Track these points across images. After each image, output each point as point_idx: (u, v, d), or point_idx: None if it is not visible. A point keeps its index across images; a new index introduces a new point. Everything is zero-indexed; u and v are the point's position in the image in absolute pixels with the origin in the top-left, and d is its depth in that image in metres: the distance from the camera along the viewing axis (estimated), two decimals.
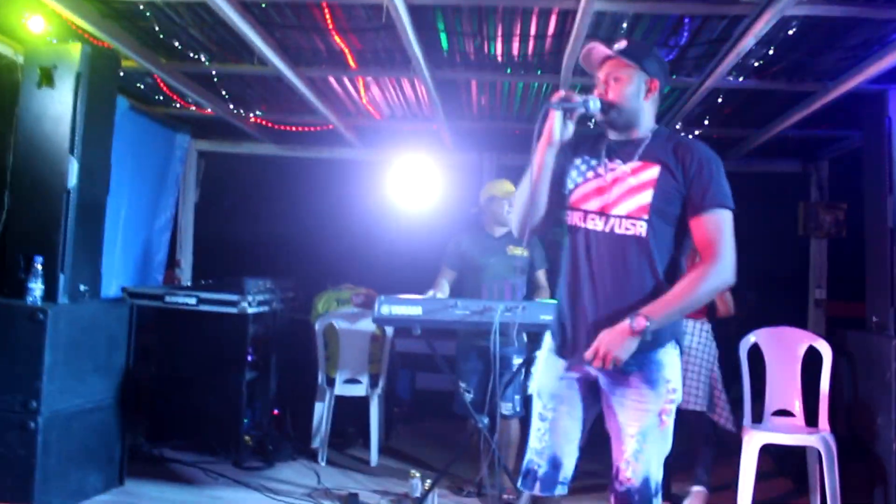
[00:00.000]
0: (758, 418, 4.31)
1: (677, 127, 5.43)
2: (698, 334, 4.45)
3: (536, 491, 2.39)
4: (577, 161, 2.45)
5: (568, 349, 2.41)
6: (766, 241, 7.06)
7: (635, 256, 2.30)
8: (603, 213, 2.34)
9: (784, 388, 4.31)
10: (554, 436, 2.40)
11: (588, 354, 2.25)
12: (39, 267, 3.66)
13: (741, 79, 4.47)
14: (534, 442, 2.44)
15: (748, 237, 6.83)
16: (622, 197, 2.33)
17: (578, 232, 2.38)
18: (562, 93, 2.36)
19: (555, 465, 2.39)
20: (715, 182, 2.28)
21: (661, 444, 2.31)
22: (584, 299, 2.35)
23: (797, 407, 4.28)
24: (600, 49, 2.40)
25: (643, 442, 2.28)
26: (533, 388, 2.51)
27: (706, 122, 5.46)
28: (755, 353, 4.42)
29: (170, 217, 6.32)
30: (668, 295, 2.25)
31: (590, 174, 2.41)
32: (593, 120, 2.49)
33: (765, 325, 4.61)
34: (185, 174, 6.50)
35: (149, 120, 5.80)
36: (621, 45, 2.40)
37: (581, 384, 2.41)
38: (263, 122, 5.93)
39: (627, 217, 2.31)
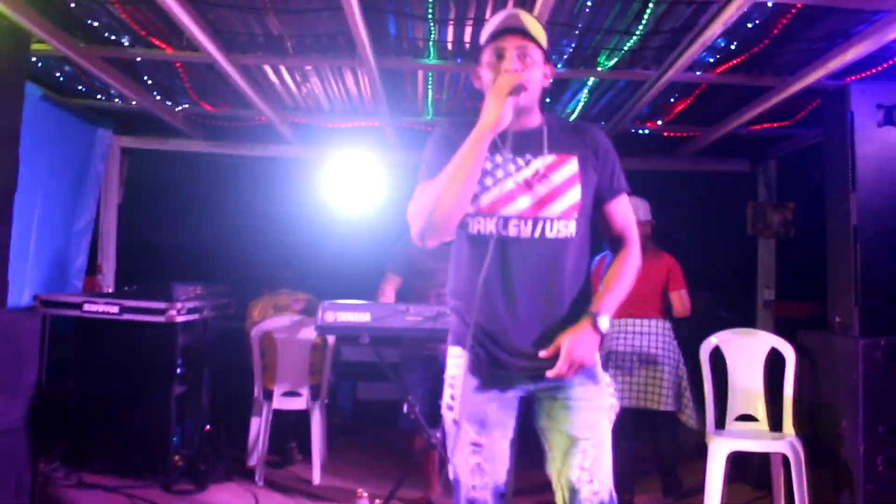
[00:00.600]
0: (720, 423, 4.14)
1: (628, 122, 5.26)
2: (662, 333, 4.34)
3: None
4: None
5: (497, 370, 2.16)
6: (715, 240, 7.01)
7: (570, 260, 2.15)
8: (529, 216, 2.12)
9: (747, 392, 4.16)
10: (493, 465, 2.17)
11: (562, 369, 2.03)
12: None
13: (698, 72, 4.32)
14: (471, 478, 2.17)
15: (698, 237, 6.81)
16: (550, 197, 2.12)
17: (490, 240, 2.07)
18: (518, 85, 2.03)
19: (499, 495, 2.18)
20: (618, 166, 2.23)
21: (609, 450, 2.16)
22: (517, 314, 2.13)
23: (761, 411, 4.13)
24: (513, 18, 2.10)
25: (600, 445, 2.13)
26: (453, 414, 2.19)
27: (658, 122, 5.30)
28: (715, 354, 4.27)
29: (90, 219, 5.83)
30: (609, 285, 2.17)
31: (500, 174, 2.13)
32: None
33: (714, 326, 4.49)
34: (107, 173, 6.00)
35: (66, 112, 5.32)
36: (521, 16, 2.11)
37: (519, 402, 2.21)
38: (192, 116, 5.53)
39: (559, 218, 2.12)
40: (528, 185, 2.12)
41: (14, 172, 3.66)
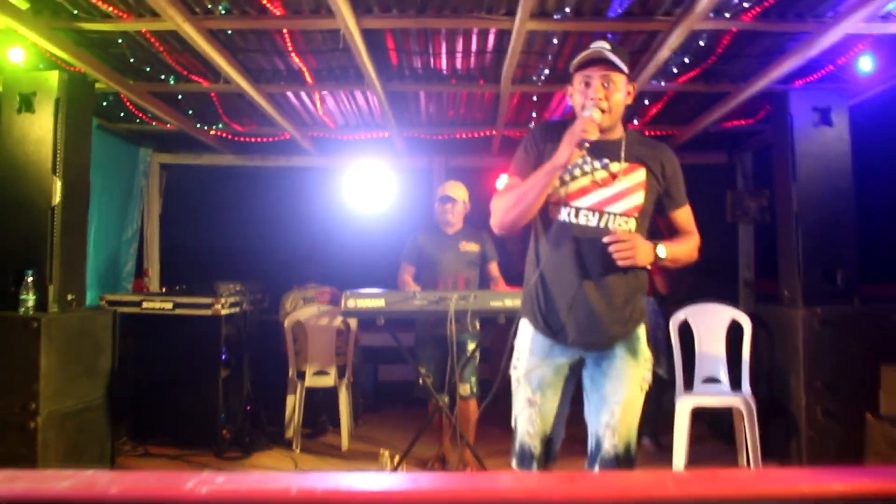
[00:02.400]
0: (689, 386, 4.81)
1: None
2: (644, 305, 5.08)
3: (534, 470, 2.56)
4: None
5: (561, 335, 2.56)
6: (699, 227, 7.64)
7: None
8: (598, 209, 2.52)
9: (711, 357, 4.82)
10: (544, 418, 2.59)
11: (617, 237, 2.42)
12: (30, 280, 3.97)
13: (663, 83, 4.98)
14: (525, 425, 2.60)
15: None
16: (617, 196, 2.52)
17: (567, 226, 2.52)
18: (591, 133, 2.38)
19: (547, 445, 2.61)
20: (681, 182, 2.64)
21: (637, 414, 2.55)
22: (580, 289, 2.50)
23: (723, 374, 4.79)
24: (601, 52, 2.45)
25: (627, 409, 2.50)
26: (518, 374, 2.65)
27: (634, 122, 5.96)
28: (685, 328, 4.93)
29: (136, 229, 6.59)
30: (677, 239, 2.61)
31: (578, 172, 2.53)
32: None
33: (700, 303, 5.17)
34: (149, 187, 6.78)
35: (113, 136, 6.08)
36: (606, 46, 2.46)
37: (568, 367, 2.62)
38: (223, 135, 6.25)
39: (622, 215, 2.52)
40: (600, 185, 2.53)
41: (86, 195, 4.41)
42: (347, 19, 3.68)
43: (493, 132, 6.06)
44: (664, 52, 4.14)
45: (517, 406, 2.65)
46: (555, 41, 4.17)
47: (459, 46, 4.33)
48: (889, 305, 4.47)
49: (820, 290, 4.53)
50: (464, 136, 6.32)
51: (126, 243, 6.47)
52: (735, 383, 4.73)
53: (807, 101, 4.61)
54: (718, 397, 4.61)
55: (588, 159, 2.53)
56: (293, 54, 4.38)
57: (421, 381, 4.52)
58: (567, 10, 3.79)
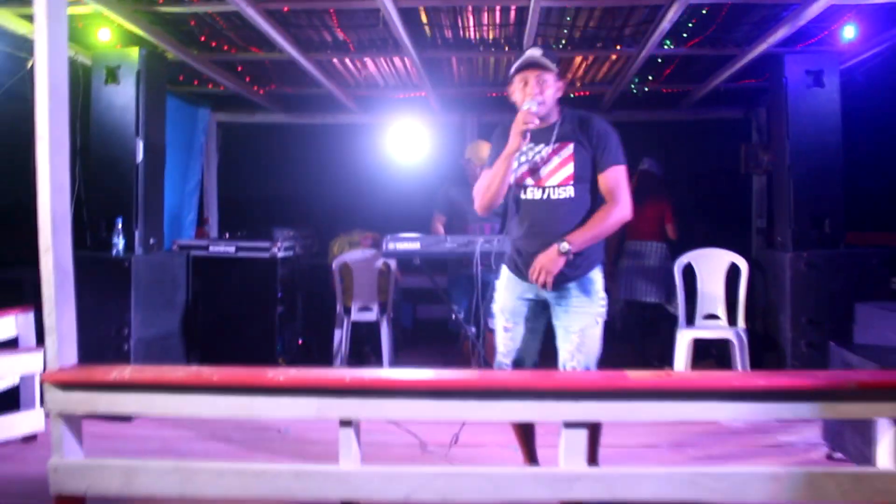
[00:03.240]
0: (691, 321, 5.40)
1: (630, 84, 6.45)
2: (656, 252, 6.05)
3: None
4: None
5: (524, 281, 3.20)
6: (716, 178, 8.16)
7: (565, 214, 3.12)
8: (540, 185, 3.13)
9: (711, 296, 5.40)
10: (516, 343, 3.24)
11: (531, 274, 3.07)
12: (120, 226, 4.69)
13: (673, 47, 5.47)
14: (501, 347, 3.28)
15: (699, 175, 7.98)
16: (552, 172, 3.12)
17: (524, 201, 3.18)
18: (530, 121, 3.00)
19: (517, 364, 3.25)
20: (610, 146, 3.12)
21: (596, 342, 3.13)
22: (538, 245, 3.10)
23: (721, 311, 5.37)
24: (533, 57, 3.08)
25: (583, 337, 3.11)
26: (496, 307, 3.30)
27: (651, 79, 6.45)
28: (689, 270, 5.49)
29: (197, 181, 7.31)
30: (585, 226, 3.10)
31: (522, 158, 3.16)
32: None
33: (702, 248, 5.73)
34: (207, 143, 7.48)
35: (175, 98, 6.75)
36: (537, 52, 3.07)
37: (535, 303, 3.24)
38: (274, 95, 6.89)
39: (559, 186, 3.11)
40: (539, 164, 3.13)
41: (163, 153, 5.10)
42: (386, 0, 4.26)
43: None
44: (665, 24, 4.64)
45: (497, 332, 3.32)
46: (567, 18, 4.70)
47: (485, 20, 4.89)
48: (869, 250, 4.99)
49: (808, 236, 5.05)
50: (493, 94, 6.87)
51: (189, 195, 7.20)
52: (732, 319, 5.31)
53: (800, 64, 5.07)
54: (713, 331, 5.21)
55: (531, 146, 3.13)
56: (338, 29, 4.98)
57: (454, 315, 5.18)
58: None
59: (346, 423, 2.70)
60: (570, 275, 3.13)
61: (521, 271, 3.22)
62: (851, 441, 3.61)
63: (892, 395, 2.60)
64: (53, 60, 2.76)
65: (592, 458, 3.13)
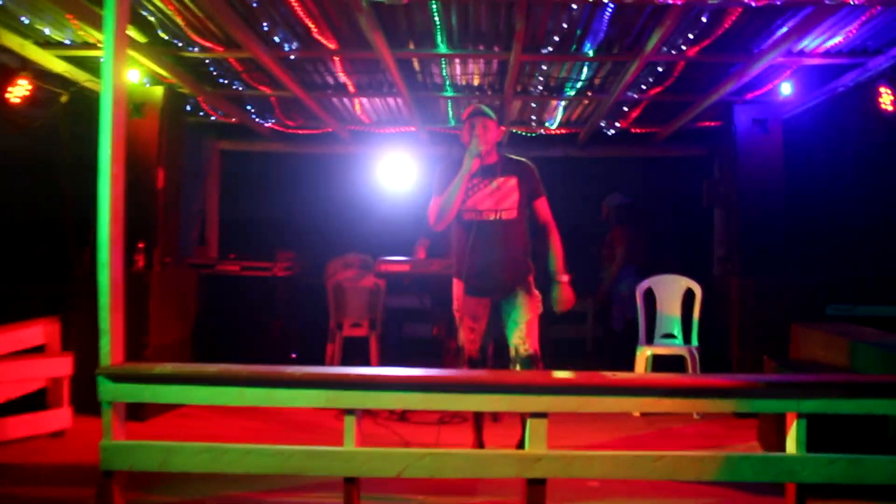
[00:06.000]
0: (650, 339, 6.00)
1: (602, 125, 7.12)
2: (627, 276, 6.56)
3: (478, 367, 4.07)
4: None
5: (479, 289, 3.93)
6: (681, 210, 8.84)
7: (515, 230, 3.92)
8: (493, 209, 3.87)
9: (669, 317, 6.01)
10: (479, 336, 4.03)
11: (562, 308, 3.96)
12: (141, 245, 5.25)
13: (637, 95, 6.15)
14: (469, 344, 4.02)
15: (666, 207, 8.66)
16: (503, 198, 3.88)
17: (476, 222, 3.87)
18: (482, 146, 3.82)
19: (481, 352, 4.08)
20: (540, 182, 3.97)
21: (536, 330, 3.92)
22: (489, 259, 3.86)
23: (677, 330, 5.98)
24: (478, 108, 3.95)
25: (530, 327, 3.89)
26: (461, 314, 4.00)
27: (619, 123, 7.13)
28: (650, 294, 6.10)
29: (200, 204, 7.88)
30: (557, 258, 3.96)
31: (476, 188, 3.88)
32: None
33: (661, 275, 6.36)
34: (210, 168, 8.05)
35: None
36: (483, 107, 3.94)
37: (490, 305, 4.00)
38: (277, 127, 7.50)
39: (507, 210, 3.89)
40: (490, 193, 3.90)
41: (180, 181, 5.68)
42: (384, 52, 4.89)
43: (502, 128, 7.26)
44: (629, 76, 5.31)
45: (462, 334, 4.02)
46: (543, 67, 5.36)
47: (470, 69, 5.54)
48: (808, 279, 5.64)
49: (754, 265, 5.71)
50: None
51: (192, 216, 7.73)
52: (688, 338, 5.92)
53: (748, 113, 5.77)
54: (669, 348, 5.82)
55: (482, 178, 3.87)
56: (341, 72, 5.61)
57: (434, 330, 5.77)
58: (550, 47, 4.97)
59: (349, 411, 3.27)
60: (517, 281, 3.93)
61: (475, 283, 3.91)
62: (774, 439, 4.23)
63: (795, 392, 3.21)
64: (116, 105, 3.32)
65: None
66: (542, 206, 4.00)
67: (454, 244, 4.08)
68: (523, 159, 4.03)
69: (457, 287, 4.04)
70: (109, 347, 3.34)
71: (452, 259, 4.14)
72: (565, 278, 3.93)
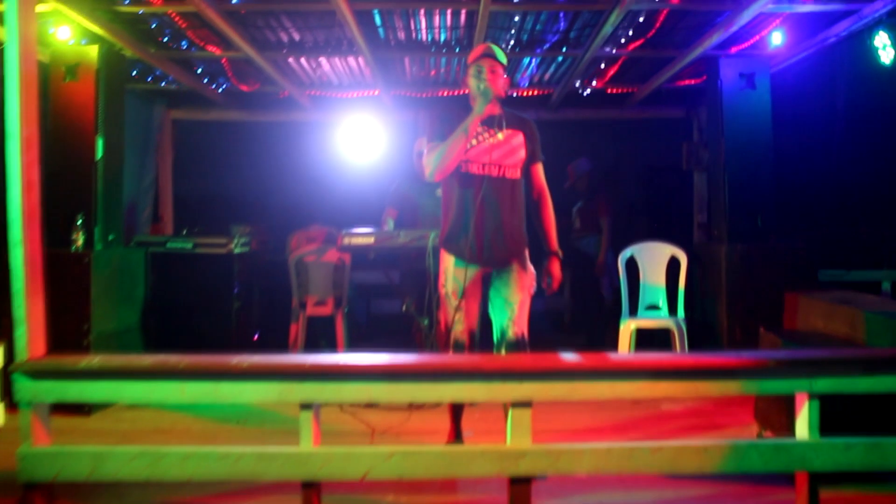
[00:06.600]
0: (634, 312, 5.67)
1: (576, 84, 6.71)
2: (597, 243, 6.35)
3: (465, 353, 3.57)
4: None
5: (476, 258, 3.46)
6: (660, 174, 8.50)
7: (518, 193, 3.53)
8: (497, 163, 3.45)
9: (653, 287, 5.68)
10: (469, 318, 3.52)
11: (555, 286, 3.55)
12: (79, 222, 4.76)
13: (615, 50, 5.74)
14: (457, 325, 3.50)
15: (644, 172, 8.31)
16: (508, 153, 3.48)
17: (477, 178, 3.42)
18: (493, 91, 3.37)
19: (471, 335, 3.55)
20: (539, 145, 3.58)
21: (527, 311, 3.52)
22: (488, 223, 3.42)
23: (662, 301, 5.65)
24: (489, 49, 3.48)
25: (522, 308, 3.49)
26: (448, 291, 3.53)
27: (594, 82, 6.72)
28: (632, 262, 5.76)
29: (152, 178, 7.37)
30: (550, 229, 3.59)
31: (479, 139, 3.45)
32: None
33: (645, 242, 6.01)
34: (162, 140, 7.52)
35: (130, 94, 6.77)
36: (494, 47, 3.47)
37: (482, 280, 3.53)
38: (230, 93, 6.99)
39: (511, 167, 3.48)
40: (497, 147, 3.45)
41: (122, 150, 5.18)
42: (341, 2, 4.41)
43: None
44: (607, 28, 4.89)
45: (449, 314, 3.53)
46: (515, 18, 4.91)
47: (436, 22, 5.08)
48: (799, 244, 5.32)
49: (742, 230, 5.37)
50: (445, 93, 7.06)
51: (144, 191, 7.24)
52: (673, 309, 5.60)
53: (734, 67, 5.39)
54: (654, 320, 5.49)
55: (483, 128, 3.45)
56: (293, 29, 5.12)
57: (404, 307, 5.36)
58: None
59: (306, 406, 2.87)
60: (515, 252, 3.51)
61: (468, 254, 3.46)
62: (778, 419, 3.90)
63: (807, 370, 2.86)
64: (24, 59, 2.85)
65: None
66: (539, 172, 3.63)
67: (444, 205, 3.62)
68: (526, 116, 3.63)
69: (445, 259, 3.59)
70: (27, 339, 2.90)
71: (442, 223, 3.64)
72: (560, 253, 3.57)
